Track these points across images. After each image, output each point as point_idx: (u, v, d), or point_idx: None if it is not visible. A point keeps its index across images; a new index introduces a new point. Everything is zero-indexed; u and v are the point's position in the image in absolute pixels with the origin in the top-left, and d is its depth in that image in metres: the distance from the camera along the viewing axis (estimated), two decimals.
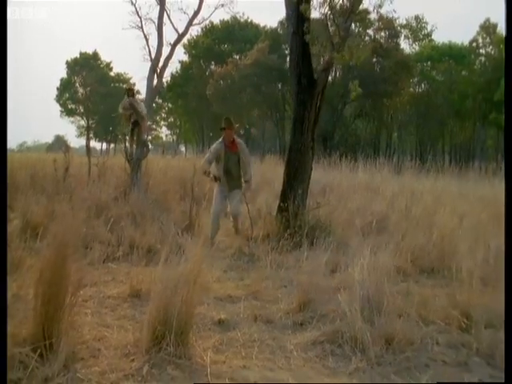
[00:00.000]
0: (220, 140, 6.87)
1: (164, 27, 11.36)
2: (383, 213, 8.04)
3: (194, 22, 11.88)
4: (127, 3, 12.22)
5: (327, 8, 6.85)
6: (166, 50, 11.63)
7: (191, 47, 49.15)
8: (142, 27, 11.83)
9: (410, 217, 7.63)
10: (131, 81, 57.11)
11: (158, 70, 11.36)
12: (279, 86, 38.18)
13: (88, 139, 14.28)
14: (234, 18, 48.30)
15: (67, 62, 57.73)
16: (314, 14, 7.14)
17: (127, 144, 10.32)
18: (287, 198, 6.78)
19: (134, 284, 4.38)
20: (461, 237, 6.11)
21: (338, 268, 5.03)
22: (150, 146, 10.59)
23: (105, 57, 59.99)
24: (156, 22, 11.61)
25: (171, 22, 11.71)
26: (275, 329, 3.68)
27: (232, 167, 6.90)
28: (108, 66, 59.89)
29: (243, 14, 50.41)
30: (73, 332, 3.15)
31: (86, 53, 58.12)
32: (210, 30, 48.50)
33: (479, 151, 38.06)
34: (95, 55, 58.94)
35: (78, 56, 57.62)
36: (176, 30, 11.79)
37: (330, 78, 34.96)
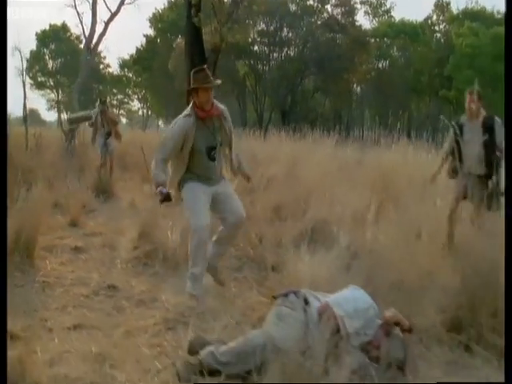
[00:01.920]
0: (187, 112, 3.83)
1: (98, 6, 12.18)
2: (276, 177, 9.19)
3: (125, 2, 12.72)
4: None
5: None
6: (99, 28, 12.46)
7: (157, 21, 49.34)
8: (75, 6, 12.63)
9: (298, 179, 8.80)
10: (102, 54, 57.02)
11: (92, 47, 12.21)
12: (241, 61, 38.79)
13: (25, 109, 14.62)
14: None
15: (37, 34, 57.17)
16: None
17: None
18: None
19: None
20: (324, 193, 7.33)
21: None
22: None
23: (74, 29, 59.23)
24: (90, 1, 12.42)
25: (104, 2, 12.55)
26: (115, 251, 4.85)
27: (210, 148, 3.85)
28: (78, 39, 59.36)
29: None
30: None
31: (55, 25, 57.51)
32: (175, 4, 48.64)
33: (429, 125, 39.57)
34: (64, 27, 58.29)
35: (48, 28, 57.01)
36: (109, 9, 12.64)
37: (290, 53, 35.44)
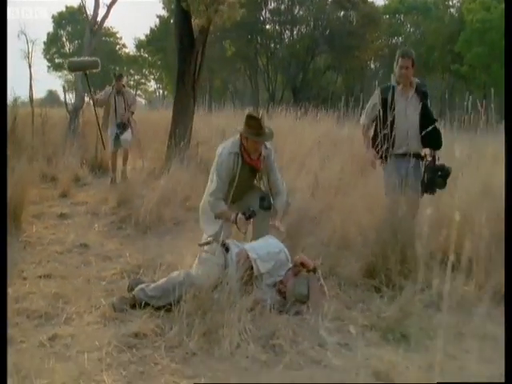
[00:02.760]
0: (235, 148, 3.60)
1: None
2: None
3: None
4: None
5: None
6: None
7: (169, 2, 49.39)
8: None
9: (283, 152, 9.20)
10: (117, 35, 57.41)
11: (95, 29, 12.64)
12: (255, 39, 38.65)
13: (31, 90, 14.81)
14: None
15: (53, 16, 57.70)
16: None
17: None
18: (171, 137, 8.31)
19: None
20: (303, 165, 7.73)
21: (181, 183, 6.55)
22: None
23: (91, 11, 59.39)
24: None
25: None
26: (95, 217, 5.36)
27: (244, 190, 3.77)
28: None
29: None
30: None
31: (71, 6, 57.89)
32: None
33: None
34: (80, 9, 58.49)
35: (64, 10, 57.46)
36: None
37: (302, 31, 35.21)
